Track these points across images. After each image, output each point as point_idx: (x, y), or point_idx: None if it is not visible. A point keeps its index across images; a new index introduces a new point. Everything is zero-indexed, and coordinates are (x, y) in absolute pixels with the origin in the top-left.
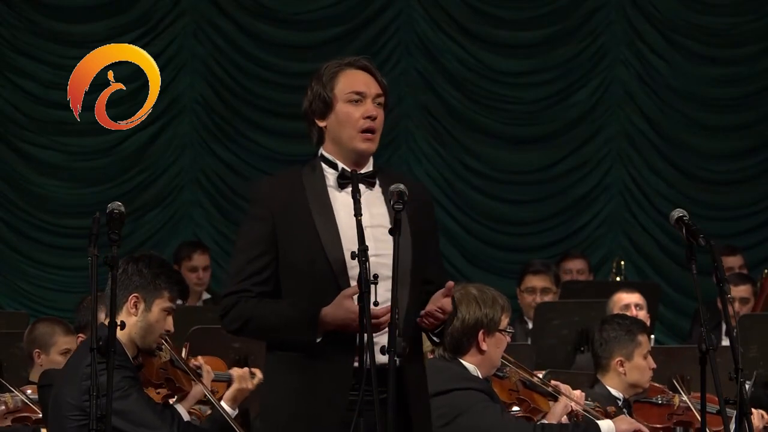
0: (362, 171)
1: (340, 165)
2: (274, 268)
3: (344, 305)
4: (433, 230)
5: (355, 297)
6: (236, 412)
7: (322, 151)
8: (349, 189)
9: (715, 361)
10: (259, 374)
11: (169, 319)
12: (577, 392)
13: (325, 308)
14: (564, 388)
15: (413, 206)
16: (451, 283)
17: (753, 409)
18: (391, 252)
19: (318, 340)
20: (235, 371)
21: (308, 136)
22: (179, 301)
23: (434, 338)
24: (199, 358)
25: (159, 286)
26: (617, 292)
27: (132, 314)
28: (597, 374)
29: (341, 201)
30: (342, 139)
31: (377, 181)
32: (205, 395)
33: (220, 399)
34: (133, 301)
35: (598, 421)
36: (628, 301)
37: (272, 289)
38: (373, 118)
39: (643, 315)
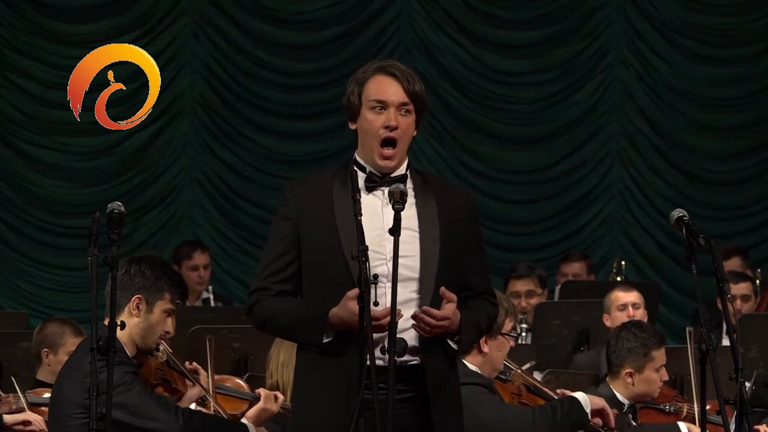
0: (395, 174)
1: (368, 167)
2: (296, 266)
3: (347, 306)
4: (475, 238)
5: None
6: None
7: (356, 152)
8: (377, 191)
9: (715, 361)
10: (281, 397)
11: (169, 321)
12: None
13: (332, 309)
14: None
15: (449, 211)
16: (443, 289)
17: (757, 427)
18: (415, 254)
19: (327, 340)
20: (262, 392)
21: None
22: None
23: (453, 346)
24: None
25: (161, 288)
26: (614, 290)
27: (134, 315)
28: (607, 375)
29: (366, 203)
30: (366, 146)
31: (411, 185)
32: (203, 395)
33: (242, 415)
34: (135, 303)
35: (574, 393)
36: (626, 300)
37: (293, 287)
38: (392, 128)
39: (640, 314)
